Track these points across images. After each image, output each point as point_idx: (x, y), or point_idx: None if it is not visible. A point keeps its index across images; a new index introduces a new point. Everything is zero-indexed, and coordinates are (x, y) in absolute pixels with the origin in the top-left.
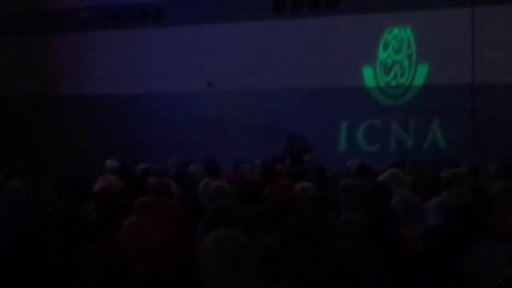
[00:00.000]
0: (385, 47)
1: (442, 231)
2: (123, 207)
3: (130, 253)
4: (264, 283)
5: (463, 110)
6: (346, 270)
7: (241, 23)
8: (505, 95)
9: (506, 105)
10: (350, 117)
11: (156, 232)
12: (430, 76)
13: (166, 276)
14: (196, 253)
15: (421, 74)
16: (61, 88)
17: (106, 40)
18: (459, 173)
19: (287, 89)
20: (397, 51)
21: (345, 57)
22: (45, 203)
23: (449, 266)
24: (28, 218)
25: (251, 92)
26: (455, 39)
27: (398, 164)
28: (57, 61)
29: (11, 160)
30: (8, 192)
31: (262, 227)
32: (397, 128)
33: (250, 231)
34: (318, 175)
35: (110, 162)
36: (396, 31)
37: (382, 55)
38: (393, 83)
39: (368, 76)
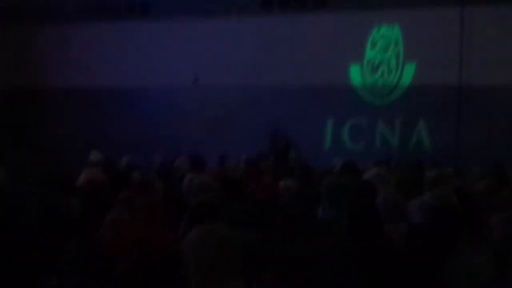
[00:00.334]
0: (373, 46)
1: (425, 230)
2: (106, 201)
3: (111, 247)
4: (246, 278)
5: (449, 111)
6: (328, 266)
7: (228, 19)
8: (492, 97)
9: (492, 107)
10: (336, 115)
11: (137, 228)
12: (417, 75)
13: (148, 272)
14: (178, 249)
15: (408, 73)
16: (47, 81)
17: (93, 33)
18: (443, 173)
19: (273, 87)
20: (385, 50)
21: (332, 55)
22: (28, 194)
23: (431, 265)
24: (9, 208)
25: (235, 89)
26: (443, 39)
27: (384, 161)
28: (43, 54)
29: None
30: None
31: (245, 223)
32: (382, 127)
33: (233, 226)
34: (303, 173)
35: (93, 155)
36: (384, 29)
37: (369, 53)
38: (380, 82)
39: (355, 75)
